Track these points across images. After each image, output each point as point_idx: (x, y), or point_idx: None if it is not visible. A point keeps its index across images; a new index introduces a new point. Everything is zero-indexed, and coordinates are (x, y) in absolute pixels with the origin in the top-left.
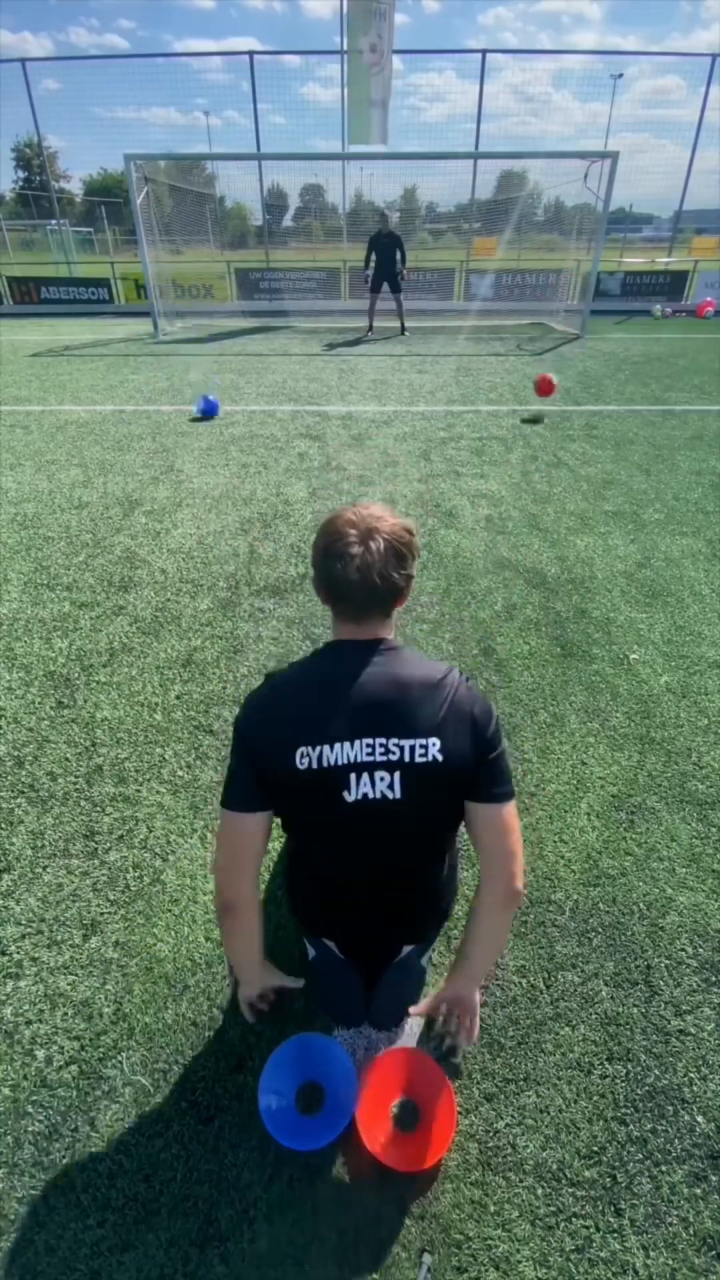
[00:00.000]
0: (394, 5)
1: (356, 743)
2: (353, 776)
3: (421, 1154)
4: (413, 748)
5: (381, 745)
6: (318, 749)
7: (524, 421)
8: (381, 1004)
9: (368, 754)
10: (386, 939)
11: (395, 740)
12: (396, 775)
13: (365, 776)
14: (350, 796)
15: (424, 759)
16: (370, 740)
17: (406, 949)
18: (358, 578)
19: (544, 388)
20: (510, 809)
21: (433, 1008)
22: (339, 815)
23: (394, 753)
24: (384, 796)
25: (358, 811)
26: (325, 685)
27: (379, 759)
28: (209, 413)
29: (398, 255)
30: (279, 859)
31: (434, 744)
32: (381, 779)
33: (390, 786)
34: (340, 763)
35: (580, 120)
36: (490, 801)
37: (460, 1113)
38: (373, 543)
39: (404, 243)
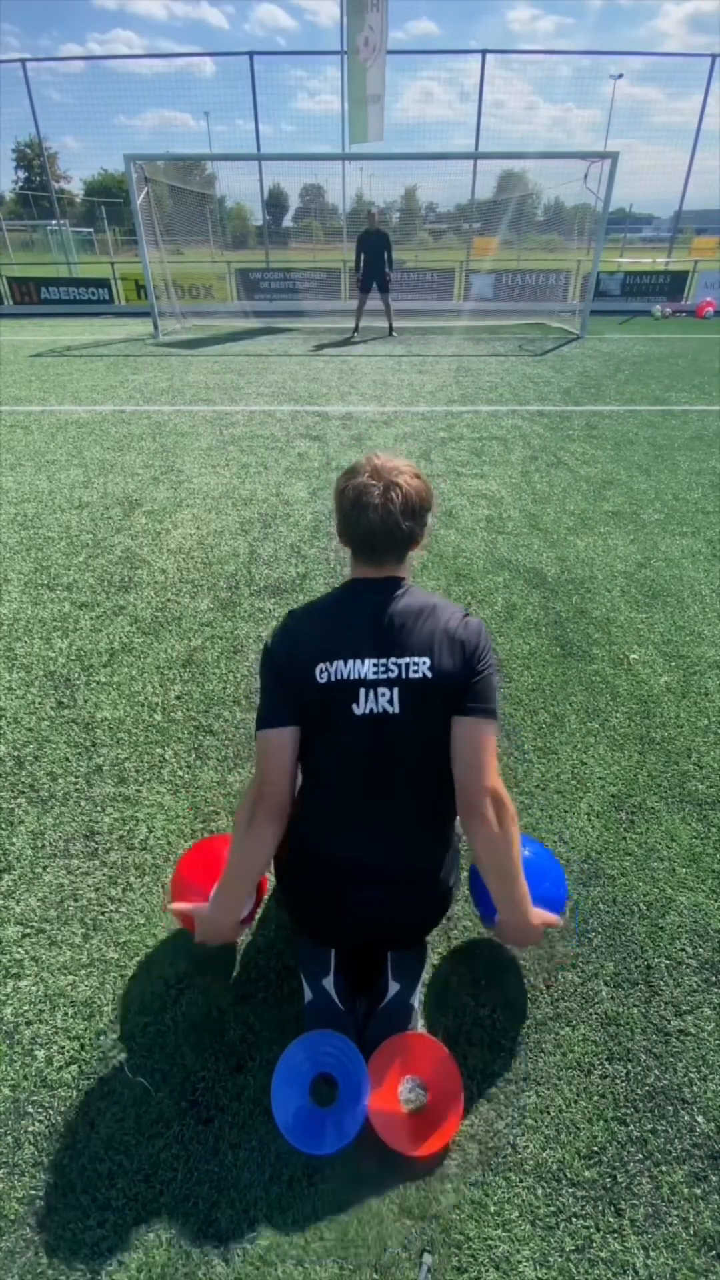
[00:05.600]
0: None
1: (365, 661)
2: (362, 691)
3: (431, 1135)
4: (407, 665)
5: (383, 664)
6: (333, 664)
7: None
8: (372, 1051)
9: (373, 672)
10: (385, 911)
11: (394, 659)
12: (395, 691)
13: (371, 693)
14: (359, 710)
15: (416, 675)
16: (375, 660)
17: (394, 988)
18: (380, 524)
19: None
20: (486, 728)
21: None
22: (349, 727)
23: (392, 670)
24: (385, 711)
25: (365, 724)
26: (343, 614)
27: (381, 676)
28: None
29: (385, 254)
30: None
31: (424, 662)
32: (383, 694)
33: (390, 702)
34: (352, 677)
35: (580, 120)
36: (467, 715)
37: (465, 1110)
38: (394, 493)
39: (391, 241)
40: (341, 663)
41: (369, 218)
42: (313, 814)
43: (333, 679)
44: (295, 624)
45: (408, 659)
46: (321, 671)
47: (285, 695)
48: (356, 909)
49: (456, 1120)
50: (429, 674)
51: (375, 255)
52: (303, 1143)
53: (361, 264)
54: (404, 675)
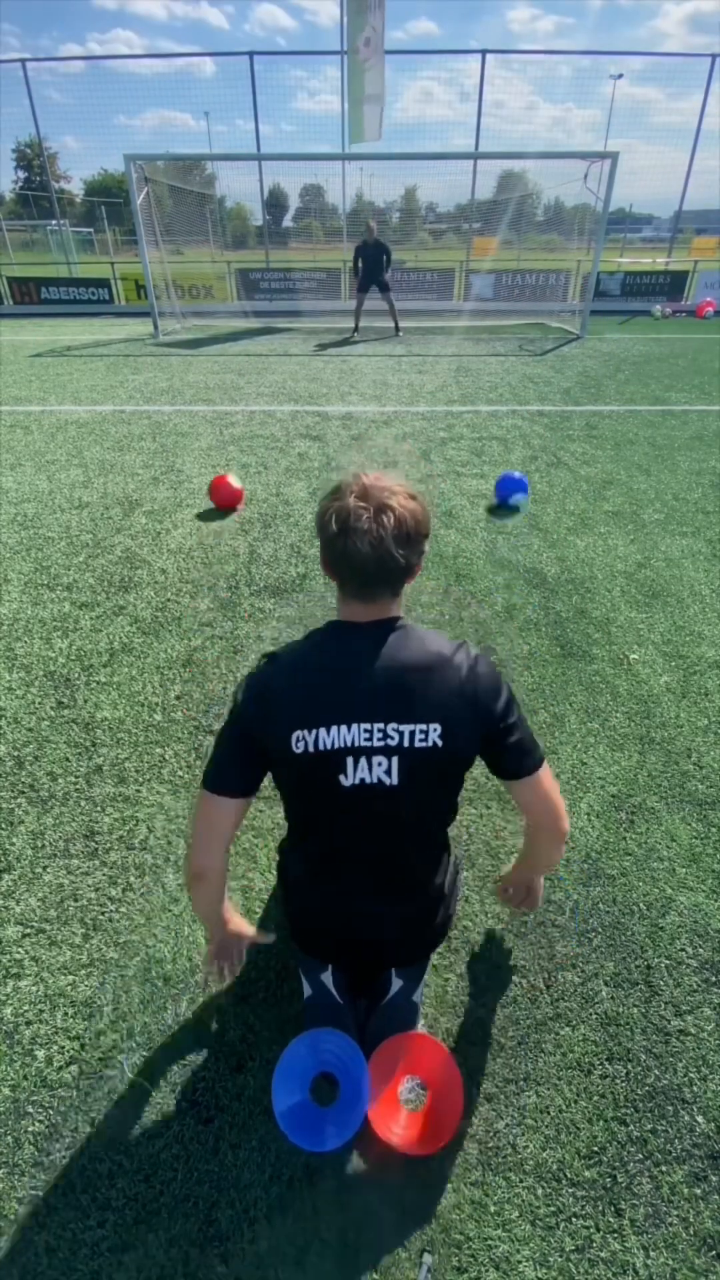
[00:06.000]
0: None
1: (354, 727)
2: (349, 760)
3: (431, 1135)
4: (412, 733)
5: (380, 730)
6: (314, 732)
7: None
8: (373, 1047)
9: (365, 739)
10: (387, 943)
11: (395, 725)
12: (394, 760)
13: (363, 761)
14: (347, 781)
15: (424, 744)
16: (369, 725)
17: (397, 984)
18: (370, 553)
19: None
20: (543, 775)
21: (502, 891)
22: (336, 800)
23: (393, 738)
24: (380, 782)
25: (355, 796)
26: (326, 667)
27: (377, 744)
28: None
29: (384, 260)
30: (277, 881)
31: (434, 729)
32: (379, 764)
33: (388, 772)
34: (336, 746)
35: (580, 120)
36: (521, 776)
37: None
38: (386, 517)
39: (390, 252)
40: (324, 730)
41: (367, 230)
42: (303, 861)
43: (311, 750)
44: (271, 677)
45: (413, 725)
46: (299, 741)
47: (248, 759)
48: (356, 938)
49: (456, 1120)
50: (439, 742)
51: (373, 261)
52: (302, 1139)
53: (360, 269)
54: (407, 744)
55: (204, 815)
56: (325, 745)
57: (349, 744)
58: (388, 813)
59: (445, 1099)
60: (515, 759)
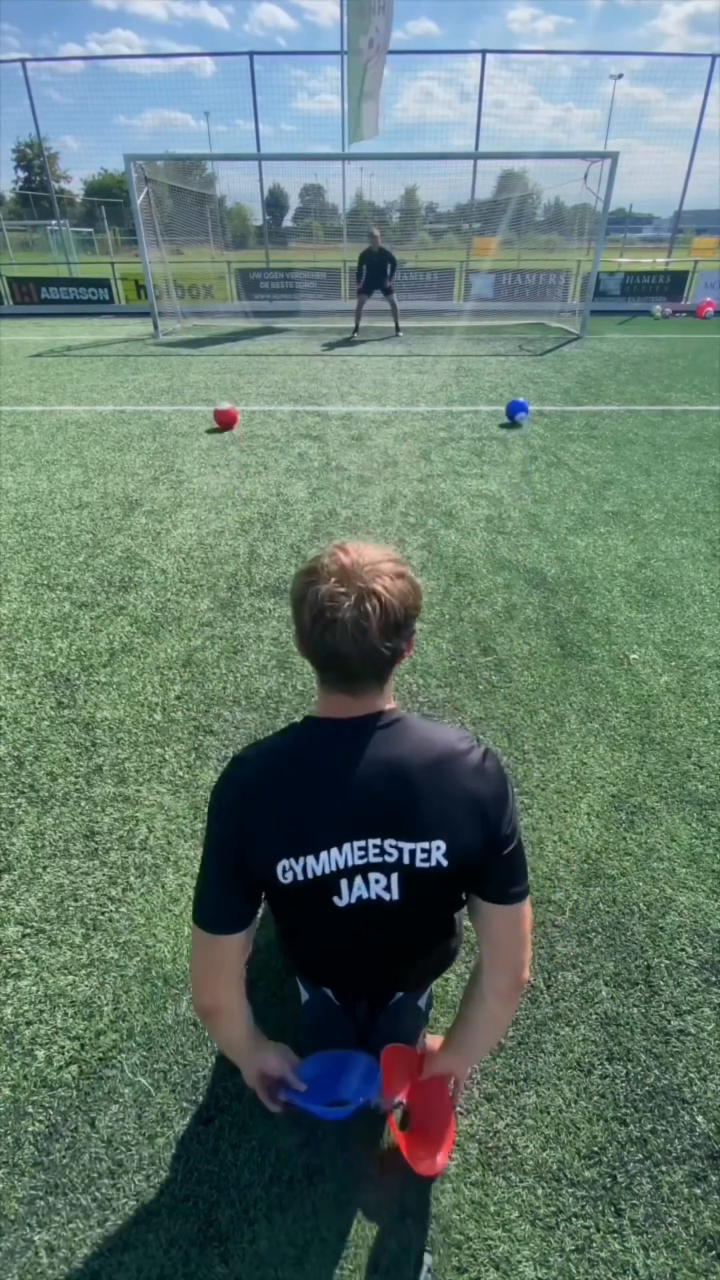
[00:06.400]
0: None
1: (346, 846)
2: (344, 882)
3: (429, 1154)
4: (414, 851)
5: (376, 847)
6: (301, 860)
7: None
8: (377, 1048)
9: (360, 857)
10: (389, 985)
11: (393, 841)
12: (394, 877)
13: (359, 879)
14: (342, 902)
15: (426, 864)
16: (363, 842)
17: (399, 994)
18: (353, 648)
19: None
20: (525, 909)
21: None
22: (330, 917)
23: (391, 854)
24: (380, 899)
25: (351, 912)
26: (308, 780)
27: (374, 860)
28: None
29: (388, 268)
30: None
31: (438, 847)
32: (377, 881)
33: (387, 889)
34: (328, 871)
35: (580, 120)
36: (504, 903)
37: (460, 1113)
38: (370, 604)
39: (395, 259)
40: (313, 858)
41: (371, 239)
42: (302, 969)
43: (300, 878)
44: (245, 793)
45: (413, 844)
46: (285, 871)
47: (241, 889)
48: (360, 989)
49: (449, 1136)
50: (444, 861)
51: (378, 268)
52: (321, 1108)
53: (364, 274)
54: (408, 861)
55: (203, 954)
56: (314, 873)
57: (341, 866)
58: (388, 925)
59: (438, 1115)
60: (506, 879)
